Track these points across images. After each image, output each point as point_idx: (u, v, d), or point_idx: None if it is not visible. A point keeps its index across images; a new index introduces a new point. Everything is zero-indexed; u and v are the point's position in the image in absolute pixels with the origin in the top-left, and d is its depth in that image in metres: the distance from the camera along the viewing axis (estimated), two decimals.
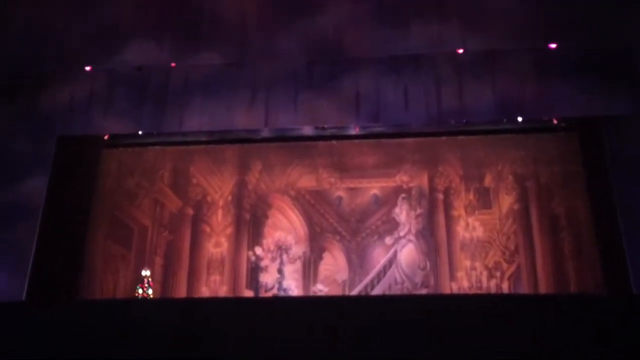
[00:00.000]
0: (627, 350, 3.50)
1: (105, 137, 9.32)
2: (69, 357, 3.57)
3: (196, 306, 4.28)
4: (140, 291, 8.31)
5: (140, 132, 8.83)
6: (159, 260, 9.09)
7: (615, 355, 3.45)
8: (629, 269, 7.66)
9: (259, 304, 4.67)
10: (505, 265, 8.64)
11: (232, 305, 4.29)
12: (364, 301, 5.10)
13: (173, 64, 8.21)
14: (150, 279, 8.39)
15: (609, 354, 3.48)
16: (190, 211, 9.35)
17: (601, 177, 8.22)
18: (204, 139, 9.44)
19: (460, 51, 7.76)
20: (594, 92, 7.54)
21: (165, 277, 9.03)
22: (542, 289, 8.36)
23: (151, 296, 8.24)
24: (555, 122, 8.78)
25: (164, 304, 4.82)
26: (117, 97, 8.32)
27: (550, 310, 3.91)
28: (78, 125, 8.33)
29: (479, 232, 8.81)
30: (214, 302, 5.01)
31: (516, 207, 8.86)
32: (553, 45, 7.56)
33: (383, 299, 5.63)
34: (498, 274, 8.61)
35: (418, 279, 8.76)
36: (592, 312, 3.79)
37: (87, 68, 8.30)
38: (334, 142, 9.38)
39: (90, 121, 8.32)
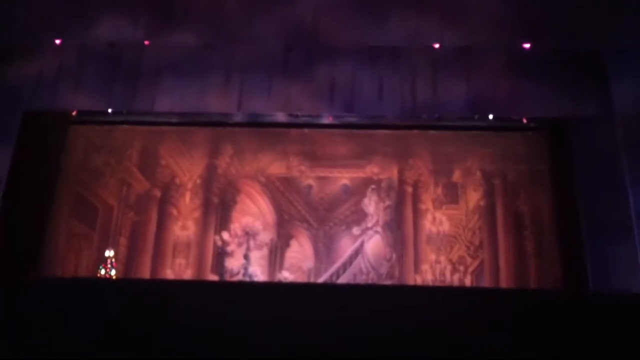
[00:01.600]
0: (581, 344, 3.61)
1: (73, 113, 9.10)
2: (29, 334, 3.51)
3: (160, 288, 4.23)
4: (102, 271, 8.21)
5: (109, 110, 8.66)
6: (123, 241, 8.97)
7: (571, 348, 3.56)
8: (588, 268, 7.87)
9: (225, 288, 4.65)
10: (469, 260, 8.77)
11: (197, 288, 4.25)
12: (332, 289, 5.10)
13: (146, 42, 8.05)
14: (113, 260, 8.28)
15: (565, 347, 3.58)
16: (158, 193, 9.24)
17: (566, 177, 8.41)
18: (174, 120, 9.31)
19: (437, 46, 7.79)
20: (564, 93, 7.67)
21: (129, 259, 8.92)
22: (504, 284, 8.53)
23: (114, 277, 8.14)
24: (525, 121, 8.92)
25: (127, 284, 4.75)
26: (87, 73, 8.12)
27: (509, 304, 3.98)
28: (45, 99, 8.12)
29: (445, 227, 8.92)
30: (179, 284, 4.97)
31: (482, 203, 8.99)
32: (527, 45, 7.66)
33: (351, 287, 5.65)
34: (462, 268, 8.74)
35: (383, 270, 8.84)
36: (550, 308, 3.86)
37: (57, 41, 8.08)
38: (306, 130, 9.36)
39: (58, 96, 8.12)
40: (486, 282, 8.59)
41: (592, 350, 3.60)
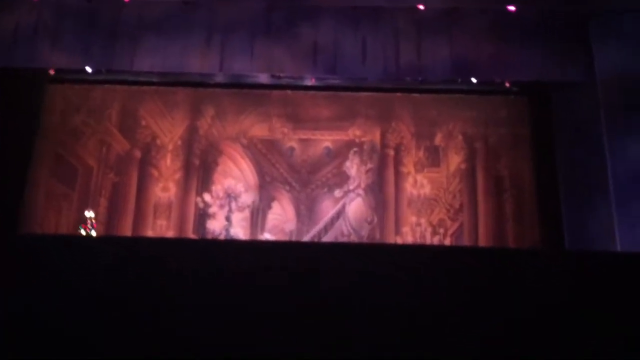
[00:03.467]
0: (557, 300, 3.67)
1: (51, 72, 8.91)
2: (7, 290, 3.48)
3: (142, 245, 4.21)
4: (83, 232, 8.15)
5: (88, 69, 8.49)
6: (103, 202, 8.90)
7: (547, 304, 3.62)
8: (565, 231, 8.03)
9: (206, 246, 4.65)
10: (449, 222, 8.88)
11: (179, 246, 4.24)
12: (313, 247, 5.13)
13: None
14: (94, 220, 8.22)
15: (540, 306, 3.64)
16: (138, 154, 9.14)
17: (546, 141, 8.50)
18: (155, 80, 9.14)
19: (421, 7, 7.73)
20: (547, 57, 7.70)
21: (110, 219, 8.87)
22: (482, 245, 8.66)
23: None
24: (507, 85, 8.93)
25: (108, 242, 4.73)
26: (65, 29, 7.95)
27: (487, 262, 4.01)
28: (22, 57, 7.95)
29: (427, 190, 8.99)
30: (161, 242, 4.96)
31: (463, 166, 9.06)
32: (512, 8, 7.63)
33: (332, 246, 5.71)
34: (442, 230, 8.85)
35: (364, 233, 8.91)
36: (527, 266, 3.91)
37: None
38: (288, 91, 9.29)
39: (36, 53, 7.95)
40: (465, 244, 8.72)
41: (568, 305, 3.71)
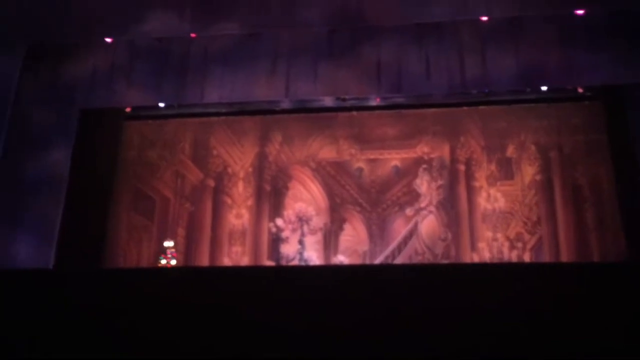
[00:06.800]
0: None
1: (127, 110, 9.35)
2: (94, 323, 3.65)
3: (223, 274, 4.33)
4: (163, 262, 8.43)
5: (161, 104, 8.86)
6: (181, 232, 9.18)
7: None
8: None
9: (284, 272, 4.72)
10: (527, 236, 8.59)
11: (257, 274, 4.33)
12: (389, 270, 5.11)
13: (193, 35, 8.20)
14: (173, 250, 8.49)
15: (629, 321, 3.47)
16: (211, 183, 9.39)
17: (625, 145, 8.11)
18: (224, 110, 9.42)
19: (484, 19, 7.63)
20: (619, 59, 7.39)
21: (188, 248, 9.13)
22: (565, 259, 8.32)
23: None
24: (580, 90, 8.62)
25: (188, 272, 4.89)
26: (138, 69, 8.34)
27: (571, 278, 3.88)
28: (100, 97, 8.38)
29: (501, 203, 8.75)
30: (239, 271, 5.08)
31: (538, 177, 8.77)
32: (580, 12, 7.40)
33: (408, 267, 5.64)
34: (520, 245, 8.57)
35: (439, 250, 8.76)
36: (614, 280, 3.75)
37: (108, 39, 8.31)
38: (354, 113, 9.33)
39: (112, 93, 8.36)
40: (546, 258, 8.41)
41: None
